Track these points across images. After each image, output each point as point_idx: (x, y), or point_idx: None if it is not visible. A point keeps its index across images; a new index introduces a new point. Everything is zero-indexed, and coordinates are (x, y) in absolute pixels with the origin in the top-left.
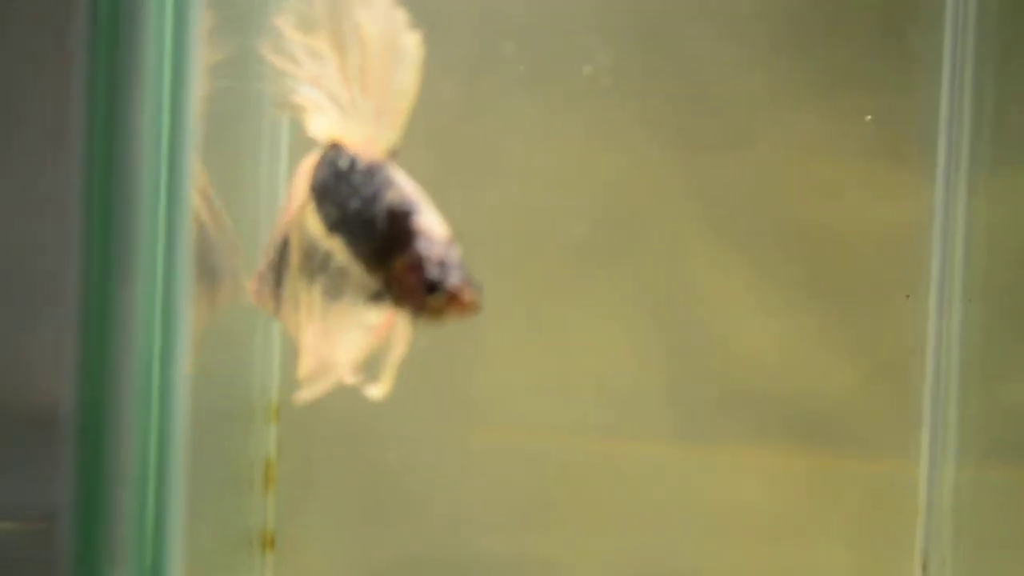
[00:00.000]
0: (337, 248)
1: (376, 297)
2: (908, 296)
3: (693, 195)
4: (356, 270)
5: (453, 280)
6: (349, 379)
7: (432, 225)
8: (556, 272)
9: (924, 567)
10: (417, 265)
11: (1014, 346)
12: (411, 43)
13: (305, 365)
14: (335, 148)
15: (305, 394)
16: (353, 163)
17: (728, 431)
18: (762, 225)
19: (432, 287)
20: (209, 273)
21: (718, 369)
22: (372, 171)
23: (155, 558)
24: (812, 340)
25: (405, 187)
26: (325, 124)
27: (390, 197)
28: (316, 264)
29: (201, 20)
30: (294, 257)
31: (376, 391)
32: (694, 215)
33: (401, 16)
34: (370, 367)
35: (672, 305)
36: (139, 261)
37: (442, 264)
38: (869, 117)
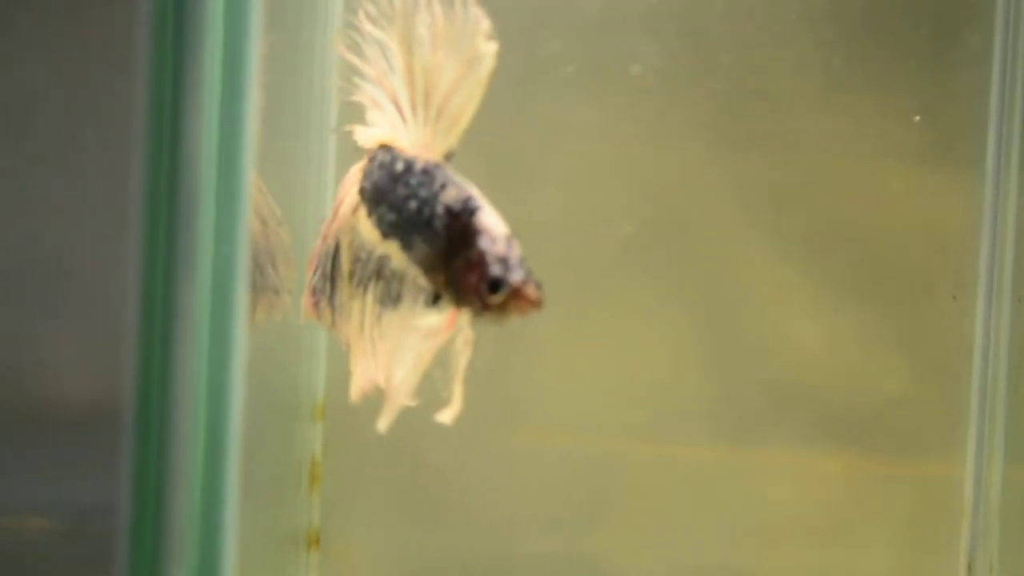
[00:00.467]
0: (393, 252)
1: (435, 300)
2: (955, 297)
3: (740, 196)
4: (413, 273)
5: (516, 277)
6: (409, 401)
7: (493, 223)
8: (602, 273)
9: (969, 569)
10: (479, 262)
11: None
12: (487, 51)
13: (358, 380)
14: (387, 151)
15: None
16: (409, 165)
17: (774, 433)
18: (809, 226)
19: (495, 284)
20: (258, 285)
21: (764, 371)
22: (429, 172)
23: (208, 556)
24: (859, 341)
25: (464, 187)
26: (381, 125)
27: (449, 196)
28: (370, 270)
29: (259, 27)
30: (344, 264)
31: (446, 415)
32: (741, 216)
33: (483, 20)
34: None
35: (718, 307)
36: (197, 264)
37: (504, 261)
38: (917, 118)
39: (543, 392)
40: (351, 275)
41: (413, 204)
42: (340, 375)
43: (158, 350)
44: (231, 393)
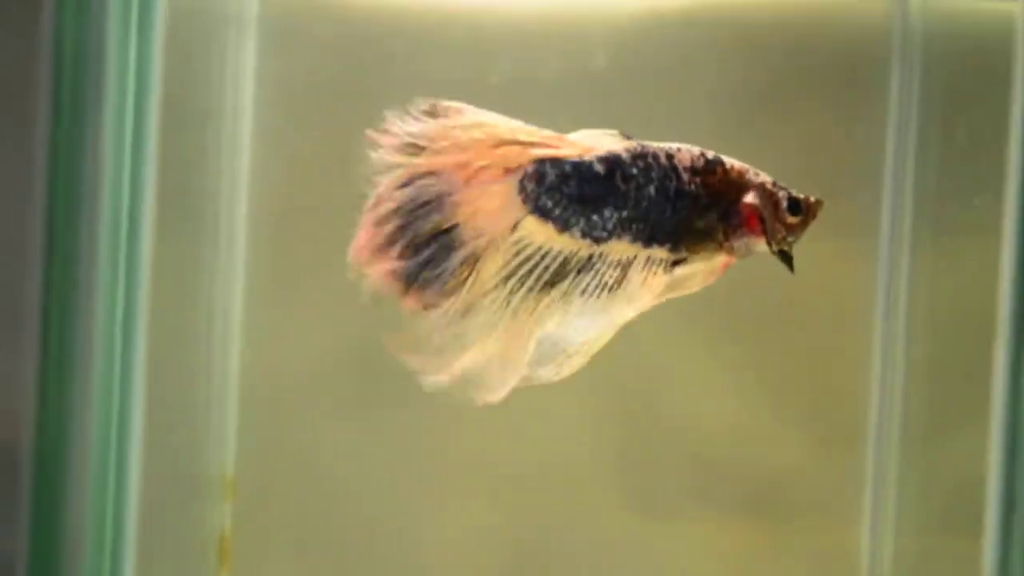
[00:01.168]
0: (613, 248)
1: (674, 264)
2: (852, 368)
3: None
4: (645, 254)
5: (798, 193)
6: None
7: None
8: None
9: None
10: (767, 196)
11: (953, 416)
12: None
13: (493, 368)
14: (551, 164)
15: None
16: (615, 159)
17: (680, 505)
18: (713, 301)
19: (794, 204)
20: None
21: (673, 443)
22: (641, 156)
23: None
24: (762, 412)
25: (683, 145)
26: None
27: (684, 159)
28: (569, 270)
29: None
30: (489, 269)
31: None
32: None
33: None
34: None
35: (627, 380)
36: (96, 339)
37: (777, 184)
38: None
39: (460, 464)
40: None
41: (651, 189)
42: (251, 450)
43: (56, 414)
44: (129, 465)
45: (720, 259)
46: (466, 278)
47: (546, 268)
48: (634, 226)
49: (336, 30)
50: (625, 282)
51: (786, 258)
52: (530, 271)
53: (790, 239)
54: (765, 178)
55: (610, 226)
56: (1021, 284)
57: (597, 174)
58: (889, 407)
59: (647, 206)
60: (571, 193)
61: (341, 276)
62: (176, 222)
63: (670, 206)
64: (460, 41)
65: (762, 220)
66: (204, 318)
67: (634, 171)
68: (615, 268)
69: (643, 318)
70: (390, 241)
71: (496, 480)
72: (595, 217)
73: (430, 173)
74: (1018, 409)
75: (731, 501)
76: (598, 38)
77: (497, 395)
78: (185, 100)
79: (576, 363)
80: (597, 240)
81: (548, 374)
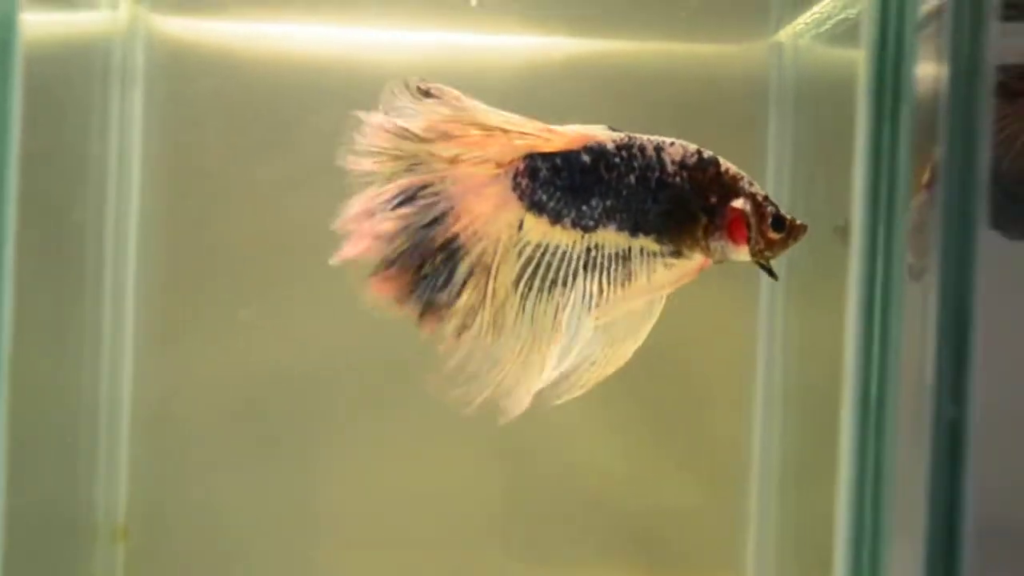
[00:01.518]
0: (607, 238)
1: (675, 255)
2: (736, 411)
3: None
4: (639, 244)
5: (786, 214)
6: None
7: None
8: (403, 390)
9: None
10: (761, 205)
11: (827, 459)
12: None
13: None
14: (543, 159)
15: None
16: (599, 150)
17: (567, 548)
18: None
19: (779, 221)
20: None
21: (557, 486)
22: (627, 146)
23: None
24: (647, 456)
25: (677, 140)
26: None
27: (676, 153)
28: (568, 270)
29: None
30: (503, 277)
31: None
32: None
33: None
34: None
35: (516, 425)
36: None
37: (768, 199)
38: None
39: (347, 508)
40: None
41: (632, 178)
42: (143, 495)
43: None
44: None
45: (696, 258)
46: (476, 287)
47: (548, 265)
48: (618, 215)
49: (221, 82)
50: (632, 278)
51: (765, 268)
52: (535, 270)
53: (767, 254)
54: (757, 189)
55: (596, 215)
56: (863, 317)
57: (584, 164)
58: (770, 451)
59: (627, 195)
60: (562, 185)
61: (233, 321)
62: (53, 270)
63: (651, 197)
64: (343, 92)
65: (747, 227)
66: (89, 366)
67: (617, 160)
68: (614, 261)
69: None
70: (403, 266)
71: (388, 530)
72: (584, 207)
73: (426, 185)
74: (863, 456)
75: (617, 545)
76: (484, 88)
77: (524, 406)
78: (63, 150)
79: (599, 373)
80: (586, 229)
81: (573, 388)
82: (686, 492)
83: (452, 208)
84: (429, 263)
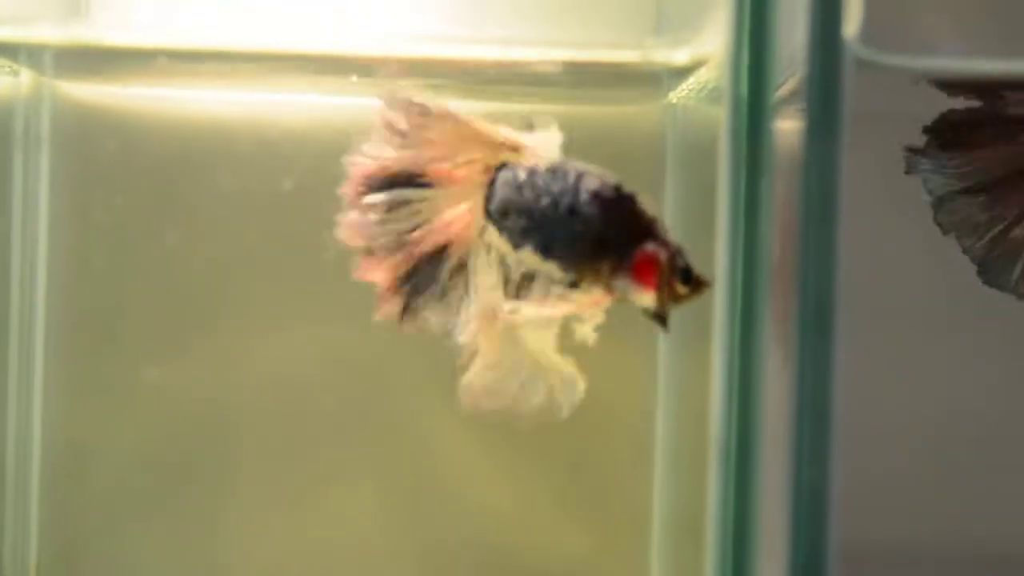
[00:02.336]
0: (526, 257)
1: (572, 286)
2: (638, 458)
3: (436, 368)
4: (547, 268)
5: (696, 269)
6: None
7: (655, 209)
8: (304, 441)
9: None
10: (673, 256)
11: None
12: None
13: (485, 373)
14: (508, 168)
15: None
16: (532, 170)
17: None
18: None
19: (687, 275)
20: None
21: (459, 532)
22: (558, 169)
23: None
24: (548, 504)
25: (605, 173)
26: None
27: (592, 184)
28: (513, 278)
29: None
30: (481, 276)
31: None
32: (437, 388)
33: None
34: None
35: (415, 470)
36: None
37: (682, 251)
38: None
39: (250, 561)
40: (494, 284)
41: (546, 201)
42: (52, 550)
43: None
44: None
45: (594, 294)
46: (457, 288)
47: (499, 271)
48: (534, 236)
49: (127, 145)
50: (535, 299)
51: (661, 318)
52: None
53: (667, 305)
54: (672, 238)
55: (518, 233)
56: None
57: (519, 181)
58: (670, 499)
59: (539, 218)
60: (505, 198)
61: (139, 378)
62: None
63: (560, 223)
64: (247, 154)
65: (659, 274)
66: None
67: (539, 182)
68: (525, 281)
69: (431, 404)
70: (398, 263)
71: (294, 573)
72: (510, 223)
73: (416, 186)
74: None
75: None
76: None
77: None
78: None
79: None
80: (513, 246)
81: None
82: (585, 539)
83: (436, 213)
84: (415, 263)
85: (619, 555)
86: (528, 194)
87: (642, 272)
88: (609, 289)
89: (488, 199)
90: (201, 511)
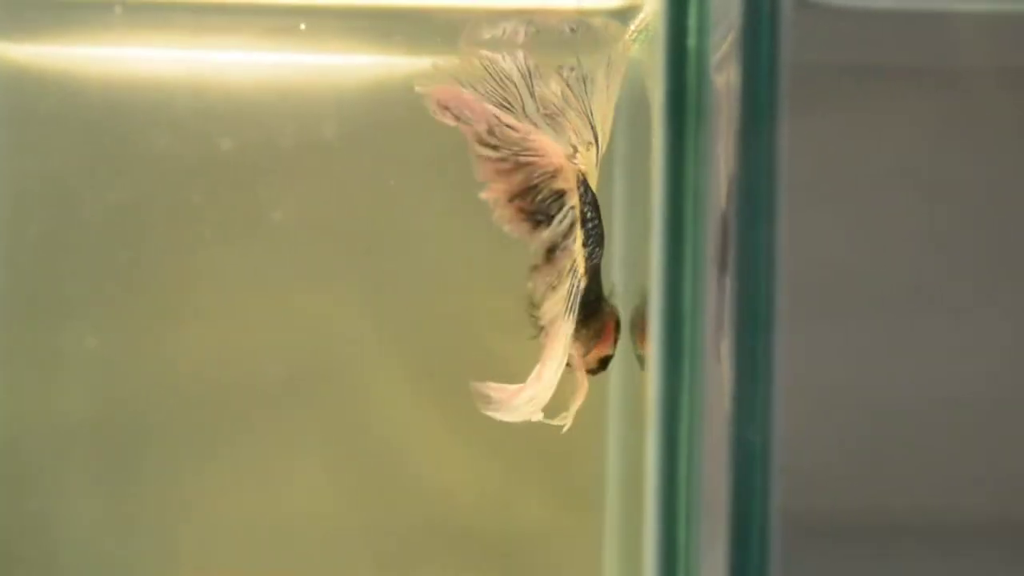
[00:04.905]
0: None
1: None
2: (590, 424)
3: (384, 337)
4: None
5: None
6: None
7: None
8: (253, 412)
9: None
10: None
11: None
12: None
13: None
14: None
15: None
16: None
17: (425, 564)
18: (454, 365)
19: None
20: None
21: (414, 503)
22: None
23: None
24: (502, 471)
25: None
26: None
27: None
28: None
29: None
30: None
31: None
32: (388, 354)
33: None
34: None
35: (368, 442)
36: None
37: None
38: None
39: (201, 534)
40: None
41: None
42: None
43: None
44: None
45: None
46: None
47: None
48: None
49: (62, 109)
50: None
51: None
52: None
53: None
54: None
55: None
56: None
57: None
58: (623, 466)
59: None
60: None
61: (82, 348)
62: None
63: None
64: (188, 113)
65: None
66: None
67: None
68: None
69: (383, 375)
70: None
71: (242, 551)
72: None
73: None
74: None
75: (479, 564)
76: (325, 108)
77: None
78: None
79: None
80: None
81: None
82: (541, 509)
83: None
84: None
85: (572, 524)
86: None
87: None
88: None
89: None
90: (147, 484)
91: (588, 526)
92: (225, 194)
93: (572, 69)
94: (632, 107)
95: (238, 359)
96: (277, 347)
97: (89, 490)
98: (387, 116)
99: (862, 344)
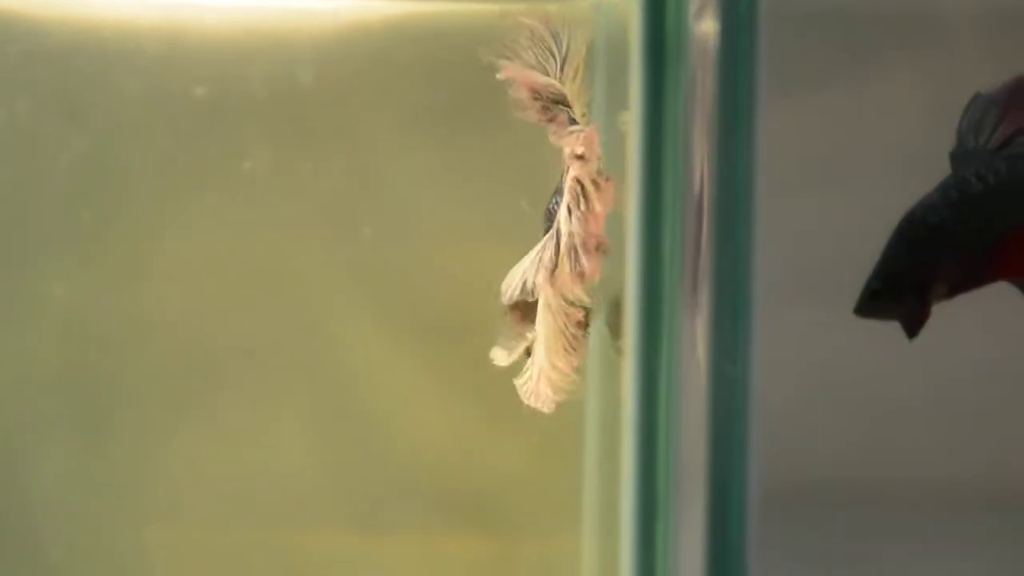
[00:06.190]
0: None
1: None
2: None
3: (359, 286)
4: None
5: None
6: None
7: None
8: (220, 364)
9: None
10: None
11: None
12: None
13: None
14: None
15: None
16: None
17: (397, 517)
18: (428, 315)
19: None
20: None
21: (392, 456)
22: None
23: None
24: (479, 424)
25: None
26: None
27: None
28: None
29: None
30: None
31: None
32: (363, 307)
33: None
34: None
35: (344, 396)
36: None
37: None
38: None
39: (176, 487)
40: None
41: None
42: None
43: None
44: None
45: None
46: None
47: None
48: None
49: (30, 49)
50: None
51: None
52: None
53: None
54: None
55: None
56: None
57: None
58: (600, 410)
59: None
60: None
61: (52, 295)
62: None
63: None
64: (160, 57)
65: None
66: None
67: None
68: None
69: (361, 321)
70: None
71: (217, 504)
72: None
73: None
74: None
75: (453, 511)
76: (303, 52)
77: None
78: None
79: None
80: None
81: None
82: (519, 454)
83: None
84: None
85: (550, 470)
86: None
87: None
88: None
89: None
90: (116, 437)
91: (566, 478)
92: (196, 140)
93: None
94: (612, 55)
95: (210, 305)
96: (251, 300)
97: (60, 445)
98: (359, 60)
99: (846, 322)
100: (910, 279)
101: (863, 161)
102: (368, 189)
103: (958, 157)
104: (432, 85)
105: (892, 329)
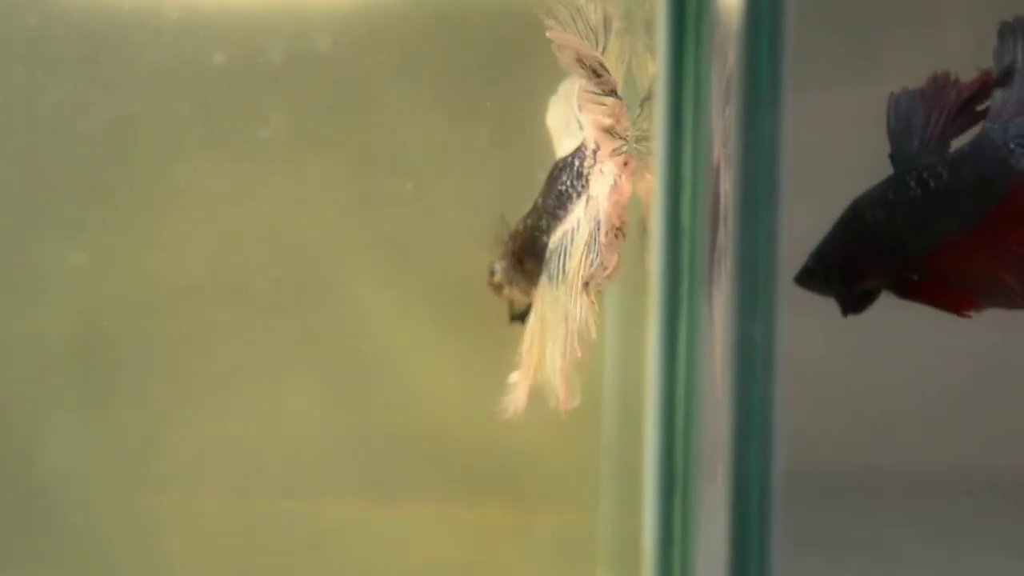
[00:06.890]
0: None
1: None
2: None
3: (374, 252)
4: None
5: None
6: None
7: None
8: (239, 330)
9: None
10: None
11: None
12: None
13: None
14: None
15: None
16: None
17: (415, 487)
18: (443, 279)
19: None
20: None
21: (405, 425)
22: None
23: None
24: (496, 394)
25: None
26: None
27: None
28: None
29: None
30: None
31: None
32: (376, 272)
33: None
34: None
35: (357, 359)
36: None
37: None
38: None
39: (188, 454)
40: None
41: None
42: None
43: None
44: None
45: None
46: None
47: None
48: None
49: (48, 17)
50: None
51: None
52: None
53: None
54: None
55: None
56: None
57: None
58: (618, 386)
59: None
60: None
61: (65, 262)
62: None
63: None
64: (178, 24)
65: None
66: None
67: None
68: None
69: (369, 299)
70: None
71: (229, 471)
72: None
73: None
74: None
75: (471, 481)
76: (319, 20)
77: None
78: None
79: None
80: None
81: None
82: (538, 426)
83: None
84: None
85: (568, 444)
86: None
87: None
88: None
89: None
90: (129, 400)
91: (582, 445)
92: (213, 106)
93: None
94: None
95: (223, 270)
96: (266, 267)
97: (74, 413)
98: (381, 31)
99: (856, 317)
100: (838, 266)
101: (863, 160)
102: (385, 155)
103: (896, 159)
104: (448, 52)
105: (898, 322)
